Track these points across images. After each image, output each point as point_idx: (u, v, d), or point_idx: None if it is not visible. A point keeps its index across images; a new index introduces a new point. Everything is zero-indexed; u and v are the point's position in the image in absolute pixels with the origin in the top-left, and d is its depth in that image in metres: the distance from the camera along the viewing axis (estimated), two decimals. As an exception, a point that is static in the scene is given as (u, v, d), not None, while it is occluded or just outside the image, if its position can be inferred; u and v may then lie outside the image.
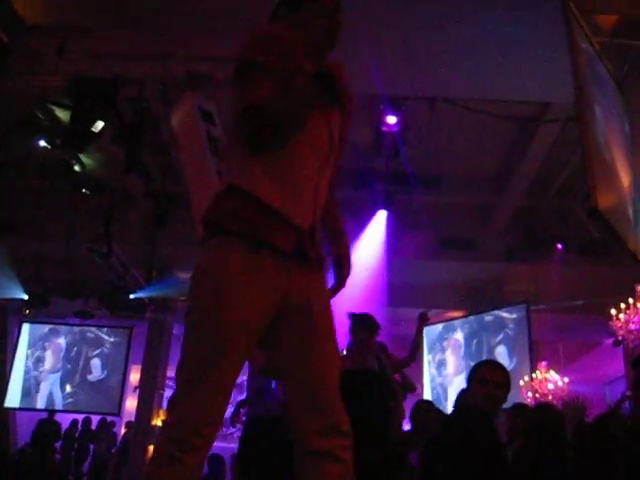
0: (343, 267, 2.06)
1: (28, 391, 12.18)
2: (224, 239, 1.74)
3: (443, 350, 11.46)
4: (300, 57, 1.90)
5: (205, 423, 1.64)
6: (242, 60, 1.86)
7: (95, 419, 12.17)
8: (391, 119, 6.99)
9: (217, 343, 1.67)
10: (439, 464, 2.99)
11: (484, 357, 10.51)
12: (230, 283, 1.69)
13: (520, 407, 5.00)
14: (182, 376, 1.70)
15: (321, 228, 1.93)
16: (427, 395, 10.91)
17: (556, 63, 5.21)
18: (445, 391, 11.05)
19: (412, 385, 5.37)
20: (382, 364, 4.41)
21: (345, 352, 4.50)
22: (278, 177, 1.78)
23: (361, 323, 4.41)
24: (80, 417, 12.25)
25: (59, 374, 12.39)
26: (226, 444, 10.20)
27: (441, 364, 11.43)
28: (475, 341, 11.02)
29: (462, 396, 4.87)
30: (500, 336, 10.71)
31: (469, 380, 3.11)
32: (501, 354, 10.60)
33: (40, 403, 12.09)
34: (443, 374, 11.32)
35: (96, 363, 12.47)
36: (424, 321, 5.27)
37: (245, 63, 1.85)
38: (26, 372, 12.25)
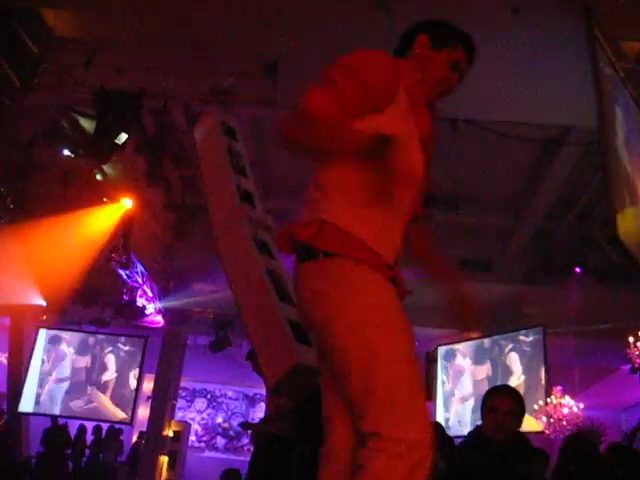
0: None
1: (42, 397, 12.22)
2: (352, 264, 1.72)
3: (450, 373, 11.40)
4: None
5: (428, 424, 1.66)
6: (331, 69, 1.77)
7: (104, 426, 12.14)
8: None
9: (410, 348, 1.73)
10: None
11: (498, 373, 10.49)
12: (390, 298, 1.77)
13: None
14: (399, 381, 1.66)
15: (400, 268, 1.97)
16: (440, 415, 10.83)
17: (579, 87, 5.20)
18: (458, 412, 10.95)
19: None
20: None
21: None
22: (374, 226, 1.79)
23: None
24: (87, 423, 12.21)
25: (74, 380, 12.44)
26: (244, 457, 10.22)
27: (453, 387, 11.34)
28: (487, 357, 10.95)
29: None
30: (511, 345, 10.64)
31: (481, 408, 3.08)
32: (514, 360, 10.51)
33: (55, 409, 12.11)
34: (456, 394, 11.23)
35: (111, 359, 12.48)
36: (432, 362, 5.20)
37: (331, 74, 1.76)
38: (41, 378, 12.30)
